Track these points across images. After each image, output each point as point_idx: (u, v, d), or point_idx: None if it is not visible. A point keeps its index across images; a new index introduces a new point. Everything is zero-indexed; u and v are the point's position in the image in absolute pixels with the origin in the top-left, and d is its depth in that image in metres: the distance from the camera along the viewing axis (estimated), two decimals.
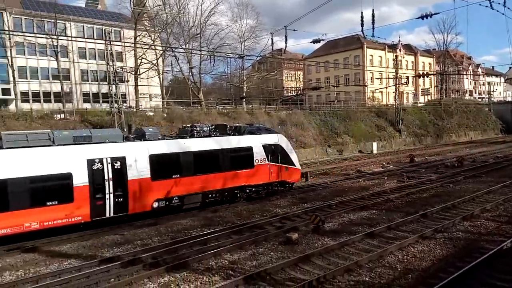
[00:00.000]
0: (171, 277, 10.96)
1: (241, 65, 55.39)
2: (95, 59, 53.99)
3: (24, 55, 47.49)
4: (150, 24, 47.50)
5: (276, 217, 17.02)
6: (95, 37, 53.61)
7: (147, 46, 42.65)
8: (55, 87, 48.60)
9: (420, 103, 70.93)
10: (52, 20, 42.89)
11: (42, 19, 47.21)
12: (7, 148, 14.15)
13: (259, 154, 20.40)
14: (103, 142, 16.30)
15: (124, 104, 37.78)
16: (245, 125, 21.96)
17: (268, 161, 20.75)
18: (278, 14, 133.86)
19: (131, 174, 16.38)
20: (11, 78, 42.70)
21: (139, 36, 44.41)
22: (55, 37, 40.84)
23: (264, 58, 58.85)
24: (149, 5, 46.92)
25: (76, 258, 12.94)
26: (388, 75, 65.71)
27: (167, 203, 17.44)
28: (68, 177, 14.95)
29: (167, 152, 17.61)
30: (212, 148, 19.00)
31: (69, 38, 45.99)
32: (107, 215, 15.93)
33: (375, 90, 61.65)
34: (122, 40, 49.67)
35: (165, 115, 38.98)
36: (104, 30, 40.87)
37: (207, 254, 12.47)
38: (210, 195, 18.80)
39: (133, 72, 43.90)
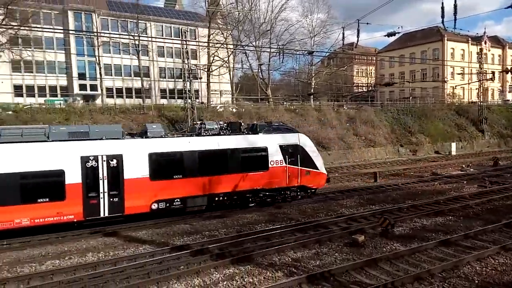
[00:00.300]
0: (236, 269, 11.29)
1: (310, 61, 54.84)
2: (172, 57, 57.16)
3: (110, 53, 51.77)
4: (223, 22, 48.97)
5: (341, 217, 16.66)
6: (173, 36, 56.71)
7: (219, 44, 44.08)
8: (136, 83, 52.38)
9: (508, 100, 64.32)
10: (134, 20, 46.19)
11: (126, 20, 51.04)
12: (1, 142, 13.99)
13: (275, 155, 18.62)
14: (99, 139, 15.56)
15: (197, 100, 39.48)
16: (263, 123, 20.55)
17: (286, 163, 18.86)
18: (351, 7, 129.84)
19: (128, 173, 15.56)
20: (98, 75, 46.85)
21: (212, 34, 45.98)
22: (136, 36, 43.86)
23: (334, 53, 57.54)
24: (223, 3, 48.38)
25: (150, 244, 13.91)
26: (471, 70, 60.55)
27: (168, 205, 16.44)
28: (60, 174, 14.49)
29: (168, 150, 16.65)
30: (219, 147, 17.58)
31: (149, 38, 49.20)
32: (101, 215, 15.30)
33: (455, 86, 57.21)
34: (197, 39, 51.88)
35: (234, 110, 40.03)
36: (181, 29, 42.98)
37: (270, 250, 12.63)
38: (216, 198, 17.49)
39: (206, 70, 45.66)
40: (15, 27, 33.62)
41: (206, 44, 45.34)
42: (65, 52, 50.51)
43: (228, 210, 18.03)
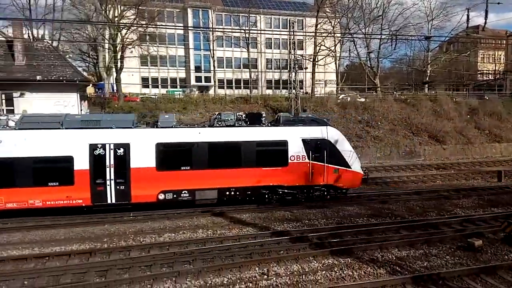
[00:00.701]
0: (335, 260, 11.22)
1: (426, 47, 50.34)
2: (279, 49, 58.18)
3: (222, 47, 55.00)
4: (331, 11, 47.92)
5: (455, 218, 15.19)
6: (281, 27, 57.64)
7: (326, 33, 43.30)
8: (245, 75, 54.78)
9: None
10: (246, 15, 48.06)
11: (238, 14, 53.52)
12: (20, 129, 14.97)
13: (296, 150, 17.12)
14: (109, 128, 15.83)
15: (301, 90, 39.63)
16: (286, 115, 19.57)
17: (309, 159, 17.21)
18: None
19: (135, 162, 15.66)
20: (211, 68, 50.24)
21: (320, 23, 45.40)
22: (247, 30, 45.69)
23: (456, 37, 51.78)
24: None
25: (253, 227, 14.62)
26: None
27: (175, 196, 16.25)
28: (69, 160, 15.09)
29: (176, 141, 16.35)
30: (231, 139, 16.74)
31: (259, 31, 50.83)
32: (109, 201, 15.64)
33: None
34: (304, 29, 51.82)
35: (338, 101, 39.11)
36: (289, 20, 43.36)
37: (372, 245, 12.21)
38: (227, 193, 16.75)
39: (312, 59, 45.39)
40: (143, 25, 37.91)
41: (313, 34, 44.98)
42: (184, 47, 55.27)
43: (327, 202, 17.76)
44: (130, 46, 36.76)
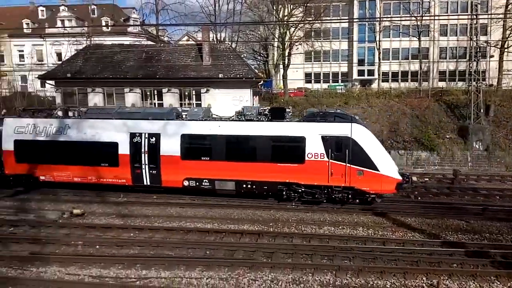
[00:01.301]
0: None
1: None
2: (456, 35, 51.54)
3: (389, 38, 51.98)
4: None
5: None
6: (459, 12, 50.93)
7: None
8: (413, 66, 50.57)
9: None
10: (418, 1, 44.17)
11: (409, 1, 49.61)
12: (84, 118, 18.61)
13: (314, 147, 16.11)
14: (146, 119, 17.77)
15: (483, 82, 34.21)
16: (311, 110, 18.91)
17: (328, 157, 15.97)
18: None
19: (163, 150, 17.29)
20: (376, 60, 48.11)
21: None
22: (419, 17, 41.96)
23: None
24: None
25: (419, 233, 13.55)
26: None
27: (197, 184, 17.26)
28: (115, 145, 17.58)
29: (198, 133, 17.39)
30: (248, 133, 16.99)
31: (433, 16, 46.05)
32: (144, 183, 17.72)
33: None
34: (489, 11, 44.47)
35: None
36: (471, 2, 37.89)
37: None
38: (244, 185, 16.93)
39: (499, 46, 38.62)
40: (310, 22, 39.05)
41: (502, 16, 38.13)
42: (348, 40, 54.46)
43: None
44: (297, 43, 38.36)
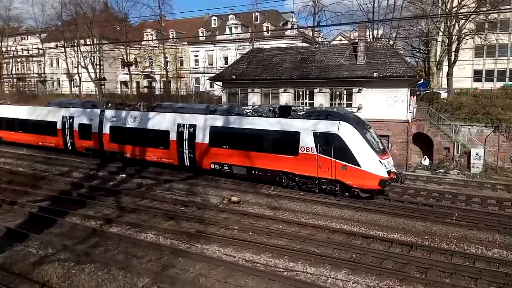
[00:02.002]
0: None
1: None
2: None
3: None
4: None
5: None
6: None
7: None
8: None
9: None
10: None
11: None
12: (147, 111, 24.53)
13: (306, 142, 17.90)
14: (188, 113, 22.17)
15: None
16: (310, 108, 22.59)
17: (317, 151, 17.57)
18: None
19: (198, 139, 21.20)
20: None
21: None
22: None
23: None
24: None
25: None
26: None
27: (220, 167, 20.63)
28: (167, 133, 22.21)
29: (220, 125, 20.68)
30: (255, 127, 19.67)
31: None
32: (185, 164, 22.02)
33: None
34: None
35: None
36: None
37: None
38: (253, 171, 19.65)
39: None
40: (486, 12, 33.92)
41: None
42: None
43: None
44: (467, 37, 33.86)
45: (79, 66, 52.62)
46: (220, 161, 20.62)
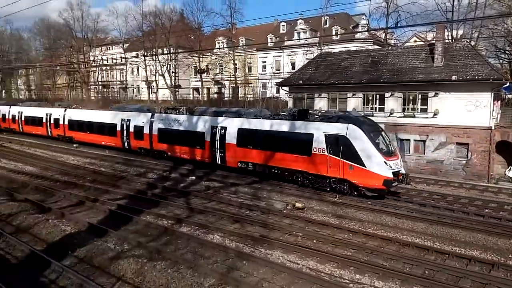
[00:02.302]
0: None
1: None
2: None
3: None
4: None
5: None
6: None
7: None
8: None
9: None
10: None
11: None
12: (184, 114, 27.10)
13: (318, 143, 19.29)
14: (221, 116, 24.16)
15: None
16: (327, 112, 25.37)
17: (327, 152, 18.90)
18: None
19: (228, 139, 23.12)
20: None
21: None
22: None
23: None
24: None
25: None
26: None
27: (245, 166, 22.61)
28: (203, 134, 24.29)
29: (246, 127, 22.68)
30: (274, 129, 21.32)
31: None
32: (217, 162, 23.98)
33: None
34: None
35: None
36: None
37: None
38: (273, 170, 21.34)
39: None
40: None
41: None
42: None
43: None
44: None
45: (157, 74, 56.24)
46: (245, 160, 22.55)
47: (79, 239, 12.97)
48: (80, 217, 15.09)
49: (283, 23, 60.40)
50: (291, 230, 13.98)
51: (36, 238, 13.13)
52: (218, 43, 59.94)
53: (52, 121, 37.27)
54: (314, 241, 13.10)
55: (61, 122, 36.23)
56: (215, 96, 55.63)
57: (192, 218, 15.33)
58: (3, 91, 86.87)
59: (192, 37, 58.66)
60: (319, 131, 19.31)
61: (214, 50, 55.98)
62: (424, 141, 25.19)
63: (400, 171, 18.19)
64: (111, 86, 75.97)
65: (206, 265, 11.08)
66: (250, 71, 58.06)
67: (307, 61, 38.30)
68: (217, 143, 23.66)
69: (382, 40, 45.59)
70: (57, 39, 74.36)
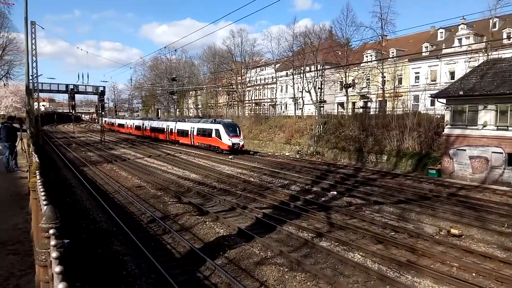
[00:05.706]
0: None
1: None
2: None
3: None
4: None
5: None
6: None
7: None
8: None
9: None
10: None
11: None
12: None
13: (213, 132, 43.24)
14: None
15: None
16: (212, 119, 50.38)
17: (214, 136, 42.71)
18: None
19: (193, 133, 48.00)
20: None
21: None
22: None
23: None
24: None
25: None
26: None
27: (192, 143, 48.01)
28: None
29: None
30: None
31: None
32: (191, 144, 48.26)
33: None
34: None
35: None
36: None
37: None
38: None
39: None
40: None
41: None
42: None
43: None
44: None
45: (303, 91, 58.13)
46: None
47: (229, 241, 14.24)
48: (231, 221, 16.56)
49: (441, 30, 55.19)
50: (445, 259, 12.43)
51: (195, 237, 14.96)
52: (366, 56, 58.41)
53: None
54: (474, 274, 11.36)
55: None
56: (360, 110, 54.08)
57: (332, 233, 15.15)
58: (177, 109, 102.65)
59: (340, 53, 58.71)
60: (213, 127, 43.49)
61: (362, 64, 54.75)
62: None
63: (240, 143, 41.80)
64: (262, 103, 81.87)
65: (346, 283, 10.77)
66: (401, 83, 54.62)
67: (470, 69, 33.93)
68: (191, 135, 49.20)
69: None
70: (220, 63, 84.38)
